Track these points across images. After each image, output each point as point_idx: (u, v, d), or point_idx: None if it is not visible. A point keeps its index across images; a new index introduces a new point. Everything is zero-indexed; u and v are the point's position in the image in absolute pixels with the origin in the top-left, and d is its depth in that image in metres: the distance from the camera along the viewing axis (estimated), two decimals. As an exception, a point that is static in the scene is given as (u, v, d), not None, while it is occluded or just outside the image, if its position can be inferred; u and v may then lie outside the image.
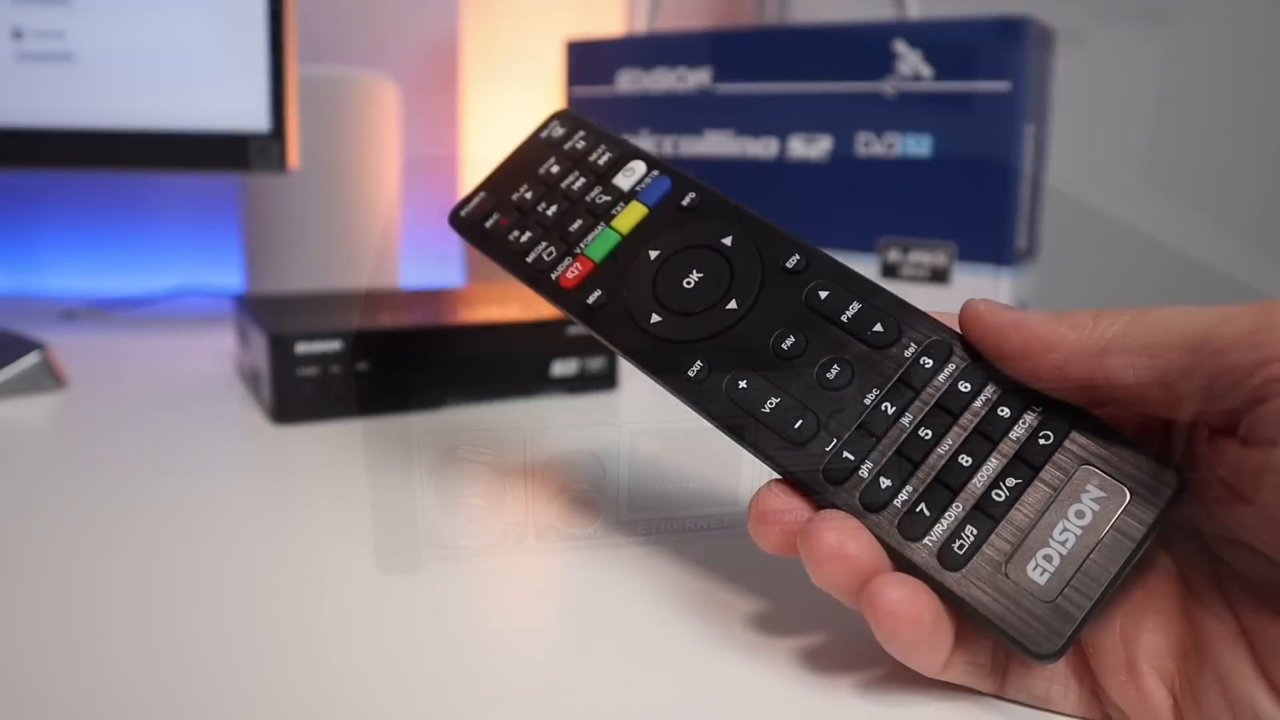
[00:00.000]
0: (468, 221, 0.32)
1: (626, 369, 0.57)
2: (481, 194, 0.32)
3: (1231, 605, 0.22)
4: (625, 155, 0.31)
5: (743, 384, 0.26)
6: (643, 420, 0.48)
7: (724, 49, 0.62)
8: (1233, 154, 0.99)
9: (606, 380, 0.53)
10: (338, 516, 0.35)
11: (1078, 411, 0.24)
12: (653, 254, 0.29)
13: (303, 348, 0.45)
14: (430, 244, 0.96)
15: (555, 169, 0.32)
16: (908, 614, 0.22)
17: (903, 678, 0.24)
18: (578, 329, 0.52)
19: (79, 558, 0.31)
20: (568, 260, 0.30)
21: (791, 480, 0.25)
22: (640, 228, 0.30)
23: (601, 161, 0.31)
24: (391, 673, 0.24)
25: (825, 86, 0.59)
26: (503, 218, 0.31)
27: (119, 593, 0.28)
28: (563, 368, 0.52)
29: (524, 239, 0.30)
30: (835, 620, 0.27)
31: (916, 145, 0.57)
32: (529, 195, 0.31)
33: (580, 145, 0.32)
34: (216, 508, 0.35)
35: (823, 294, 0.27)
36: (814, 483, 0.24)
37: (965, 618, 0.23)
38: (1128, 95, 0.99)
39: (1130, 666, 0.22)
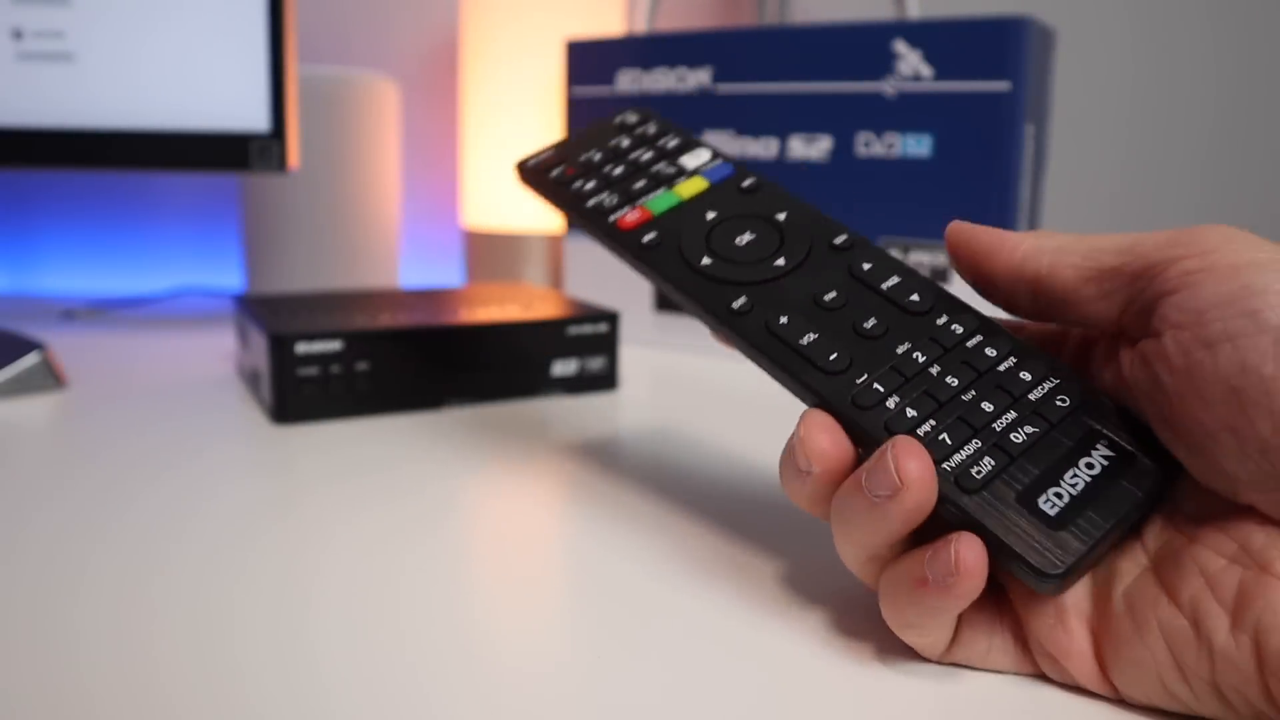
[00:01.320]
0: (533, 170, 0.33)
1: (627, 369, 0.57)
2: (550, 151, 0.34)
3: (1143, 541, 0.24)
4: (692, 143, 0.33)
5: (784, 319, 0.27)
6: (643, 421, 0.48)
7: (724, 49, 0.62)
8: (1233, 154, 0.99)
9: (607, 380, 0.53)
10: (337, 516, 0.35)
11: (1091, 389, 0.25)
12: (710, 215, 0.31)
13: (303, 348, 0.45)
14: (430, 244, 0.96)
15: (625, 143, 0.34)
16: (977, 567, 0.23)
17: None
18: (578, 329, 0.52)
19: (79, 557, 0.31)
20: (628, 208, 0.31)
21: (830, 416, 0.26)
22: (700, 196, 0.31)
23: (670, 145, 0.33)
24: (391, 672, 0.24)
25: (825, 86, 0.59)
26: (569, 169, 0.33)
27: (118, 592, 0.28)
28: (563, 368, 0.52)
29: (588, 187, 0.32)
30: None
31: (916, 145, 0.57)
32: (597, 158, 0.33)
33: (651, 130, 0.34)
34: (216, 508, 0.35)
35: (866, 265, 0.29)
36: (842, 406, 0.26)
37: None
38: (1127, 95, 0.99)
39: (1058, 612, 0.24)
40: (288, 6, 0.62)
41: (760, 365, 0.27)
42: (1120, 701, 0.24)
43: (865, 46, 0.57)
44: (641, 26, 0.87)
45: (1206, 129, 0.99)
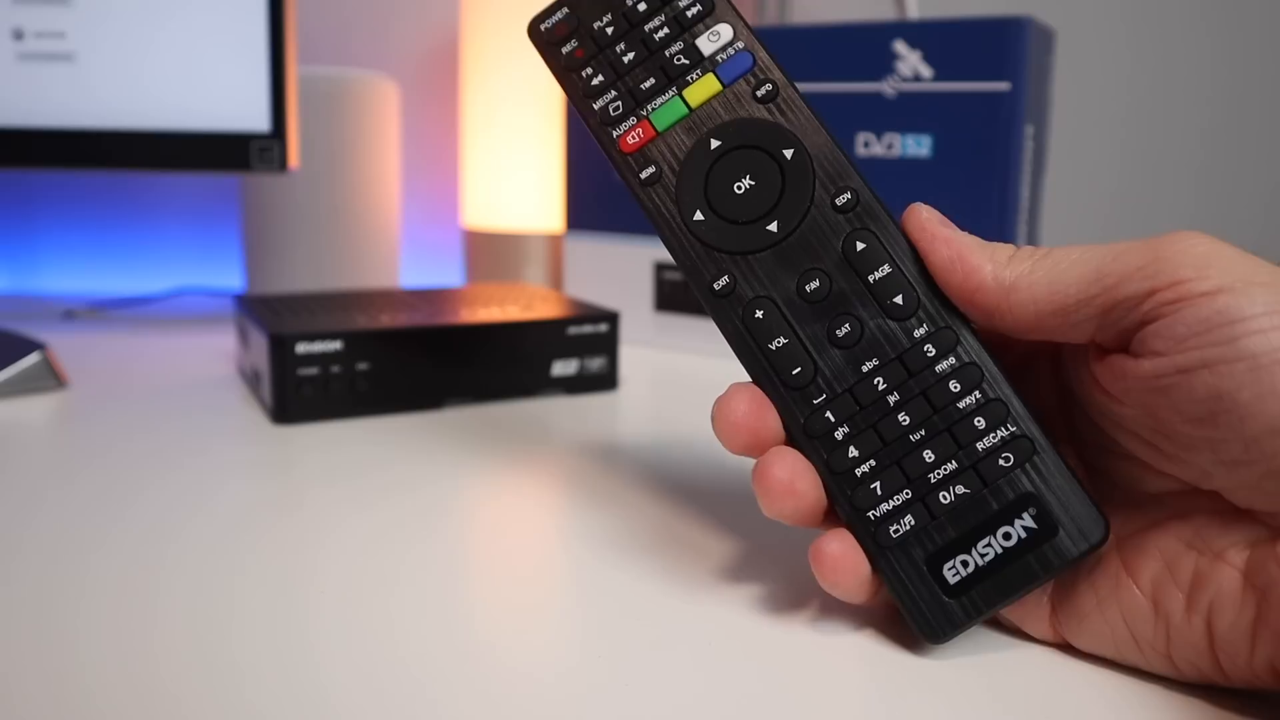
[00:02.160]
0: (546, 38, 0.31)
1: (627, 369, 0.57)
2: (564, 10, 0.31)
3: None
4: (716, 13, 0.30)
5: (759, 314, 0.27)
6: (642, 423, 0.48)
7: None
8: (1232, 154, 0.99)
9: (607, 380, 0.53)
10: (337, 516, 0.35)
11: (1041, 443, 0.25)
12: (714, 143, 0.29)
13: (303, 348, 0.45)
14: (430, 244, 0.96)
15: (642, 5, 0.30)
16: (846, 566, 0.25)
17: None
18: (578, 329, 0.52)
19: (79, 557, 0.31)
20: (632, 120, 0.29)
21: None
22: (709, 105, 0.29)
23: (691, 13, 0.30)
24: (390, 671, 0.24)
25: (825, 86, 0.59)
26: (579, 48, 0.30)
27: (119, 592, 0.28)
28: (563, 368, 0.52)
29: (595, 81, 0.30)
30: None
31: (916, 145, 0.57)
32: (610, 30, 0.30)
33: None
34: (216, 507, 0.35)
35: (859, 245, 0.27)
36: (793, 426, 0.27)
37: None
38: (1127, 96, 0.99)
39: None
40: (288, 7, 0.62)
41: (732, 349, 0.28)
42: (1069, 648, 0.26)
43: (865, 46, 0.57)
44: (641, 26, 0.87)
45: (1206, 129, 0.99)
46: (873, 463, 0.26)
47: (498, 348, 0.50)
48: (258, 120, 0.63)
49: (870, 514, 0.26)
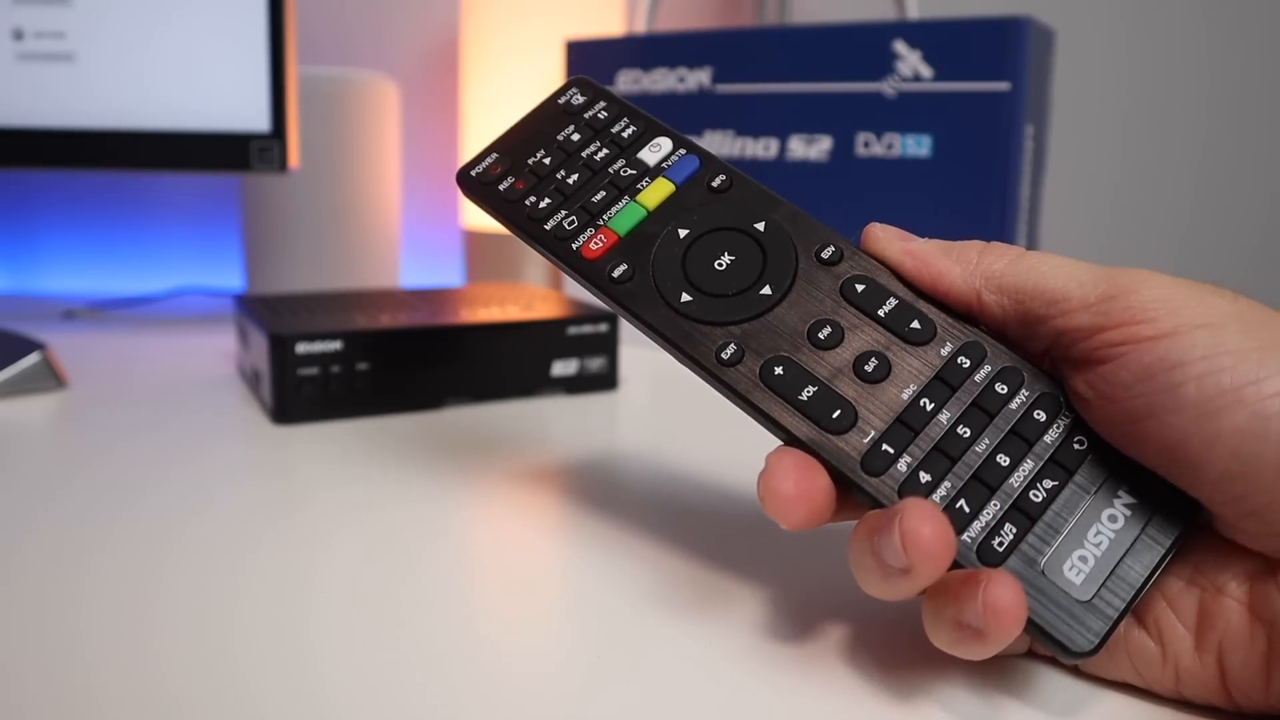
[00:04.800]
0: (479, 182, 0.30)
1: (627, 369, 0.57)
2: (494, 155, 0.30)
3: None
4: (650, 130, 0.30)
5: (779, 370, 0.25)
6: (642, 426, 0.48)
7: (724, 49, 0.62)
8: (1231, 154, 0.99)
9: (607, 380, 0.53)
10: (337, 516, 0.35)
11: None
12: (682, 232, 0.28)
13: (303, 348, 0.45)
14: (430, 244, 0.96)
15: (575, 136, 0.30)
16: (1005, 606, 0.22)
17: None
18: (578, 329, 0.52)
19: (80, 557, 0.31)
20: (590, 230, 0.28)
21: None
22: (667, 204, 0.28)
23: (625, 134, 0.30)
24: (390, 671, 0.24)
25: (825, 86, 0.59)
26: (518, 181, 0.30)
27: (120, 592, 0.28)
28: (563, 368, 0.52)
29: (542, 205, 0.29)
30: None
31: (916, 145, 0.57)
32: (546, 161, 0.30)
33: (602, 116, 0.30)
34: (216, 508, 0.35)
35: (859, 287, 0.26)
36: (851, 473, 0.24)
37: None
38: (1127, 96, 0.99)
39: None
40: (288, 6, 0.62)
41: (756, 419, 0.25)
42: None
43: (865, 46, 0.57)
44: (641, 26, 0.87)
45: (1205, 129, 0.99)
46: (949, 483, 0.24)
47: (498, 348, 0.50)
48: (258, 120, 0.63)
49: (966, 537, 0.23)
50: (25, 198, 0.89)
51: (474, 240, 0.83)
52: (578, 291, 0.68)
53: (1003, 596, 0.21)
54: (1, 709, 0.23)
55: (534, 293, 0.60)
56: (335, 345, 0.46)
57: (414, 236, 0.95)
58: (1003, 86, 0.54)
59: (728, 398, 0.26)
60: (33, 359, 0.50)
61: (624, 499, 0.37)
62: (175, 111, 0.63)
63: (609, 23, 0.80)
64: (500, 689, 0.24)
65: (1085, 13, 0.97)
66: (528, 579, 0.31)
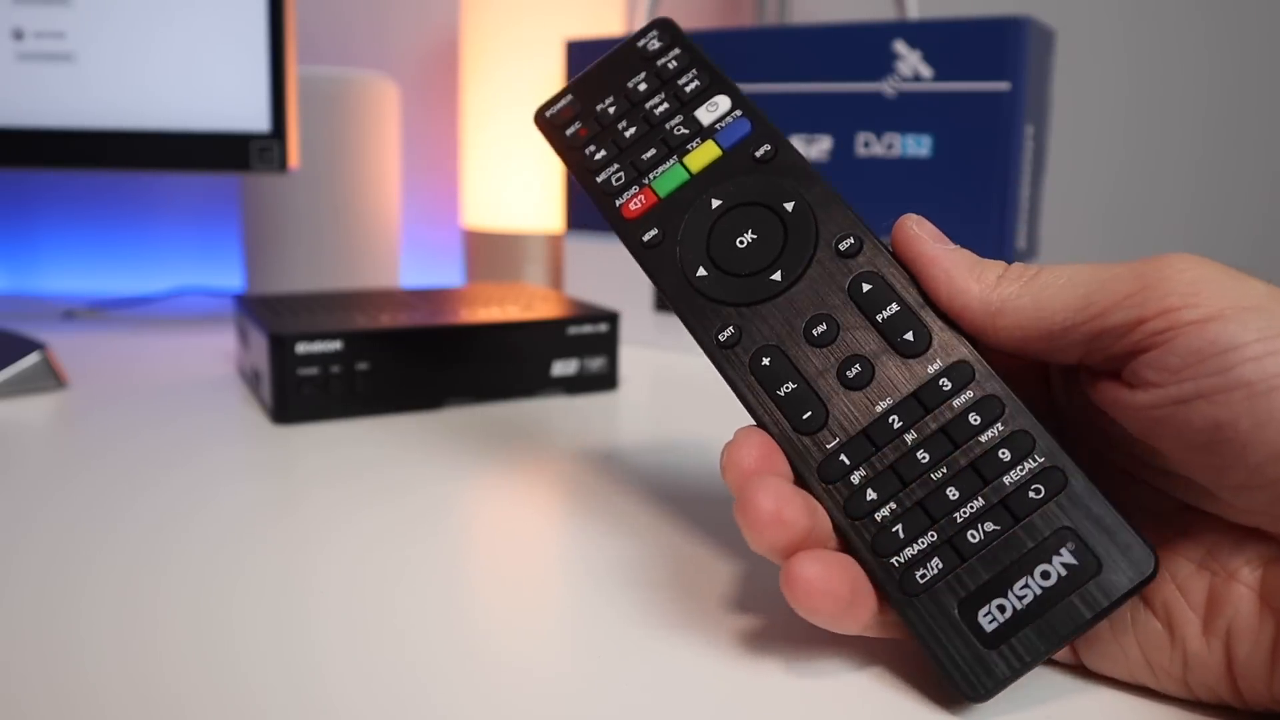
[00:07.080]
0: (551, 124, 0.32)
1: (627, 369, 0.57)
2: (569, 97, 0.32)
3: None
4: (714, 86, 0.31)
5: (766, 361, 0.26)
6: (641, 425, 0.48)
7: (724, 49, 0.62)
8: (1231, 154, 0.99)
9: (607, 380, 0.53)
10: (337, 516, 0.35)
11: (1073, 468, 0.24)
12: (714, 203, 0.29)
13: (303, 348, 0.45)
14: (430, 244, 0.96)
15: (643, 86, 0.31)
16: (823, 590, 0.23)
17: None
18: (578, 329, 0.52)
19: (80, 557, 0.31)
20: (634, 189, 0.30)
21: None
22: (710, 170, 0.29)
23: (689, 89, 0.31)
24: (390, 671, 0.25)
25: (825, 86, 0.59)
26: (583, 128, 0.31)
27: (120, 592, 0.28)
28: (563, 368, 0.52)
29: (598, 156, 0.30)
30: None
31: (916, 145, 0.57)
32: (611, 110, 0.31)
33: (672, 65, 0.31)
34: (217, 508, 0.35)
35: (865, 286, 0.27)
36: (805, 472, 0.25)
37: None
38: (1127, 96, 0.99)
39: None
40: (288, 7, 0.62)
41: (740, 400, 0.26)
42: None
43: (865, 46, 0.57)
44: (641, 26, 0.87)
45: (1205, 129, 0.99)
46: (893, 505, 0.24)
47: (498, 348, 0.50)
48: (258, 120, 0.63)
49: (894, 560, 0.24)
50: (25, 198, 0.90)
51: (474, 240, 0.83)
52: (578, 291, 0.68)
53: (806, 569, 0.23)
54: (2, 708, 0.23)
55: (534, 293, 0.60)
56: (335, 345, 0.46)
57: (414, 236, 0.95)
58: (1003, 86, 0.54)
59: (721, 376, 0.27)
60: (33, 359, 0.50)
61: (624, 499, 0.37)
62: (175, 111, 0.63)
63: (609, 23, 0.80)
64: (499, 687, 0.24)
65: (1085, 13, 0.97)
66: (527, 578, 0.31)
